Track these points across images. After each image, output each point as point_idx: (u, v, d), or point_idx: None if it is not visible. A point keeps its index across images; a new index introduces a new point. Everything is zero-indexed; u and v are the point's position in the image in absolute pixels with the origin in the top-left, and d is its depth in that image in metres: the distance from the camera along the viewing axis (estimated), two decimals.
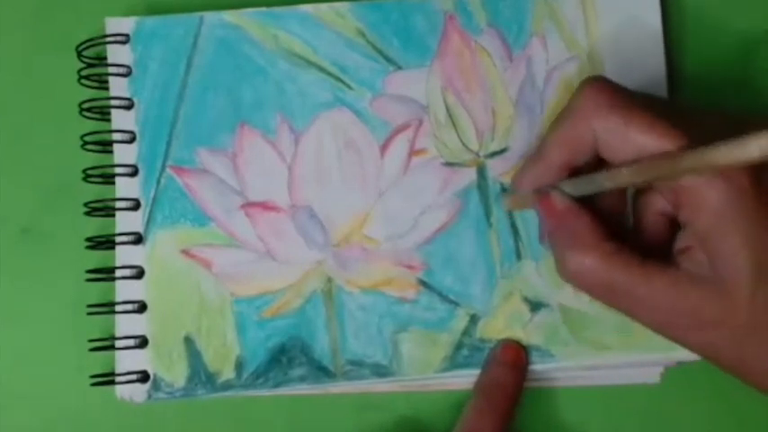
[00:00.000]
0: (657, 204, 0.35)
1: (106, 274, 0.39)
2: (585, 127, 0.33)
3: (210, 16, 0.40)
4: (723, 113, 0.36)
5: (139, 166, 0.39)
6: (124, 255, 0.39)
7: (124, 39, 0.40)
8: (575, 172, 0.35)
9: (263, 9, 0.40)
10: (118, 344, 0.39)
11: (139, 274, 0.39)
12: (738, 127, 0.31)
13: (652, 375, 0.40)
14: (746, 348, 0.32)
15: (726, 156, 0.29)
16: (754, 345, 0.32)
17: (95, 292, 0.40)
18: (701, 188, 0.31)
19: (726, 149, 0.29)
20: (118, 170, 0.39)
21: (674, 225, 0.34)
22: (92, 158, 0.40)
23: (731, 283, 0.31)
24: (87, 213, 0.40)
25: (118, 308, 0.39)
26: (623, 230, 0.36)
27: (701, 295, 0.32)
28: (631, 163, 0.32)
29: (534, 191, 0.36)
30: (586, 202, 0.35)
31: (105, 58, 0.40)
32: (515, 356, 0.38)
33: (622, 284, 0.33)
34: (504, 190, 0.39)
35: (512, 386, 0.38)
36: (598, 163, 0.34)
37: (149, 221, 0.39)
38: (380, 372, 0.38)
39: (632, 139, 0.32)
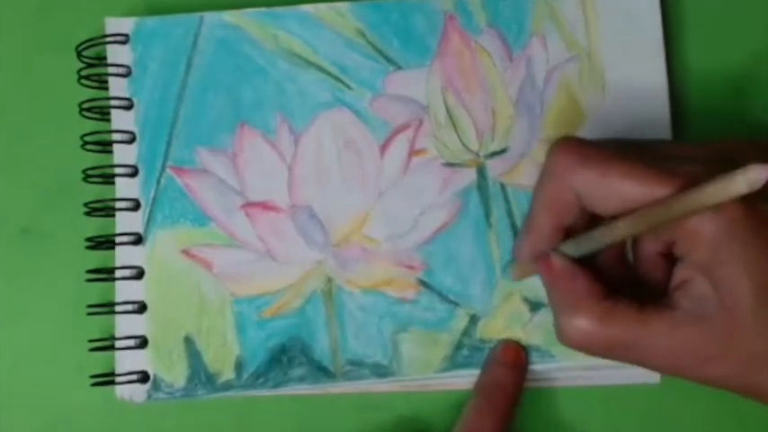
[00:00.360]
0: (652, 244, 0.35)
1: (106, 274, 0.39)
2: (565, 187, 0.34)
3: (210, 16, 0.40)
4: (692, 144, 0.36)
5: (139, 167, 0.39)
6: (124, 255, 0.39)
7: (124, 39, 0.40)
8: (569, 233, 0.35)
9: (263, 9, 0.40)
10: (118, 344, 0.39)
11: (139, 274, 0.39)
12: (716, 153, 0.32)
13: (652, 375, 0.39)
14: (758, 374, 0.32)
15: (715, 194, 0.29)
16: (766, 367, 0.32)
17: (95, 292, 0.40)
18: (696, 222, 0.31)
19: (714, 188, 0.29)
20: (118, 170, 0.40)
21: (672, 262, 0.34)
22: (92, 158, 0.40)
23: (734, 310, 0.31)
24: (87, 213, 0.40)
25: (118, 308, 0.39)
26: (625, 272, 0.36)
27: (701, 333, 0.32)
28: (626, 216, 0.32)
29: (534, 257, 0.36)
30: (587, 259, 0.35)
31: (105, 58, 0.40)
32: (515, 357, 0.38)
33: (622, 340, 0.33)
34: (503, 190, 0.39)
35: (512, 386, 0.38)
36: (591, 219, 0.35)
37: (149, 222, 0.39)
38: (380, 372, 0.38)
39: (614, 190, 0.33)
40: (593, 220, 0.35)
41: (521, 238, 0.37)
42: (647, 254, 0.35)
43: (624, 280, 0.35)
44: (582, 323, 0.33)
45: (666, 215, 0.31)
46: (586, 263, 0.35)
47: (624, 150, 0.34)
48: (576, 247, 0.35)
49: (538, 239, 0.36)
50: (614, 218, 0.33)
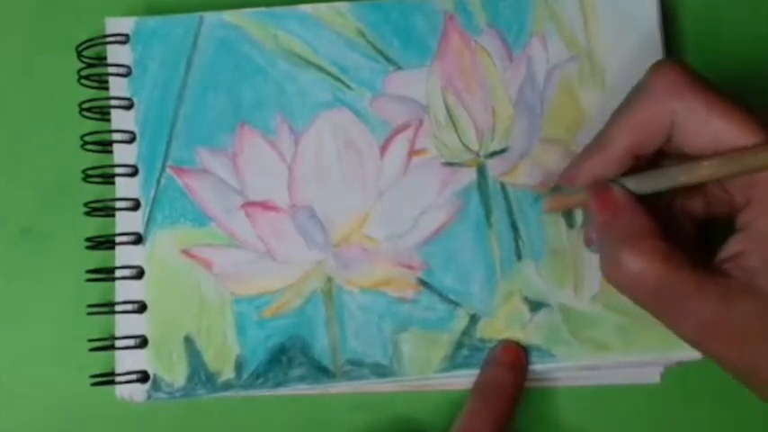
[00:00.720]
0: (693, 210, 0.34)
1: (106, 274, 0.39)
2: (663, 108, 0.32)
3: (210, 16, 0.40)
4: None
5: (139, 167, 0.39)
6: (124, 255, 0.39)
7: (124, 39, 0.40)
8: (634, 168, 0.34)
9: (263, 9, 0.40)
10: (118, 344, 0.39)
11: (139, 274, 0.39)
12: None
13: (652, 375, 0.40)
14: None
15: None
16: None
17: (95, 292, 0.40)
18: None
19: None
20: (118, 170, 0.40)
21: (702, 233, 0.33)
22: (92, 158, 0.40)
23: None
24: (87, 213, 0.40)
25: (118, 308, 0.39)
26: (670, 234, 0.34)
27: (751, 306, 0.31)
28: (711, 157, 0.31)
29: (589, 185, 0.34)
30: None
31: (105, 58, 0.40)
32: (515, 357, 0.38)
33: (675, 291, 0.31)
34: (503, 189, 0.39)
35: (510, 386, 0.38)
36: (655, 160, 0.33)
37: (149, 221, 0.39)
38: (380, 372, 0.38)
39: (712, 125, 0.31)
40: (653, 165, 0.33)
41: (581, 161, 0.35)
42: (681, 217, 0.34)
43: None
44: (642, 260, 0.31)
45: (755, 164, 0.30)
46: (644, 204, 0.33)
47: (728, 93, 0.32)
48: (637, 184, 0.33)
49: (605, 164, 0.34)
50: (691, 158, 0.32)
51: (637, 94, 0.33)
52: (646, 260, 0.32)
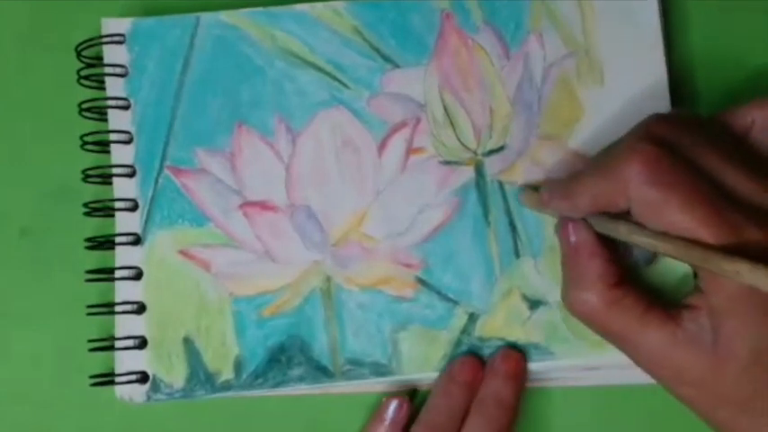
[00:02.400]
0: None
1: (105, 274, 0.39)
2: (621, 192, 0.33)
3: (207, 16, 0.40)
4: None
5: (137, 167, 0.39)
6: (123, 255, 0.39)
7: (121, 39, 0.40)
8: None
9: (260, 9, 0.40)
10: (117, 344, 0.39)
11: (138, 274, 0.39)
12: None
13: None
14: (722, 413, 0.33)
15: (758, 281, 0.30)
16: (731, 412, 0.33)
17: (94, 292, 0.40)
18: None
19: (759, 277, 0.30)
20: (115, 170, 0.40)
21: None
22: (91, 159, 0.40)
23: (727, 355, 0.32)
24: (87, 214, 0.40)
25: (117, 308, 0.39)
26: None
27: (692, 356, 0.33)
28: (663, 236, 0.32)
29: (560, 220, 0.36)
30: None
31: (103, 59, 0.40)
32: (515, 366, 0.38)
33: (618, 332, 0.35)
34: (501, 188, 0.39)
35: (511, 398, 0.37)
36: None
37: (147, 222, 0.39)
38: (380, 371, 0.38)
39: (666, 217, 0.32)
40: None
41: (555, 197, 0.36)
42: None
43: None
44: (589, 300, 0.35)
45: (700, 262, 0.31)
46: (609, 239, 0.35)
47: (704, 168, 0.33)
48: (602, 226, 0.35)
49: (571, 210, 0.36)
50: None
51: (605, 164, 0.34)
52: (591, 303, 0.35)
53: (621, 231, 0.34)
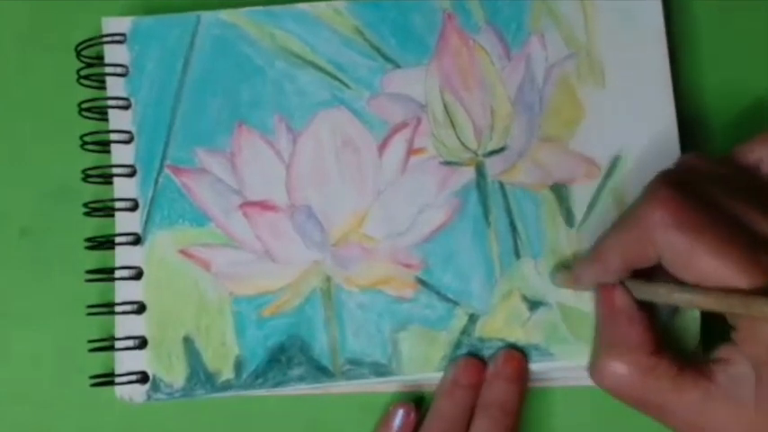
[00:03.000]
0: None
1: (105, 274, 0.39)
2: (648, 241, 0.33)
3: (207, 16, 0.40)
4: None
5: (137, 167, 0.39)
6: (123, 255, 0.39)
7: (121, 38, 0.40)
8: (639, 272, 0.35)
9: (260, 8, 0.40)
10: (117, 344, 0.39)
11: (138, 274, 0.39)
12: None
13: None
14: None
15: None
16: None
17: (95, 292, 0.40)
18: (762, 323, 0.31)
19: None
20: (116, 170, 0.39)
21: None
22: (91, 158, 0.40)
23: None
24: (87, 214, 0.40)
25: (117, 308, 0.39)
26: None
27: (730, 412, 0.32)
28: (701, 290, 0.32)
29: (598, 285, 0.36)
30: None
31: (103, 58, 0.40)
32: (517, 368, 0.38)
33: (654, 400, 0.34)
34: (502, 188, 0.39)
35: (514, 401, 0.37)
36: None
37: (148, 222, 0.39)
38: (380, 371, 0.38)
39: (697, 263, 0.32)
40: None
41: (586, 264, 0.36)
42: None
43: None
44: (623, 370, 0.34)
45: (742, 309, 0.31)
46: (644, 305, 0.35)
47: (726, 211, 0.32)
48: (640, 290, 0.35)
49: (603, 273, 0.35)
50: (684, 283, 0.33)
51: (629, 218, 0.34)
52: (626, 373, 0.34)
53: (661, 293, 0.34)
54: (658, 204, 0.32)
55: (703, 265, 0.31)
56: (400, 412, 0.38)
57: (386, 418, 0.39)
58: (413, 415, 0.38)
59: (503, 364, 0.38)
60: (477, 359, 0.38)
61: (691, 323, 0.38)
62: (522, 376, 0.38)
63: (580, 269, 0.37)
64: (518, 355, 0.38)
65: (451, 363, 0.38)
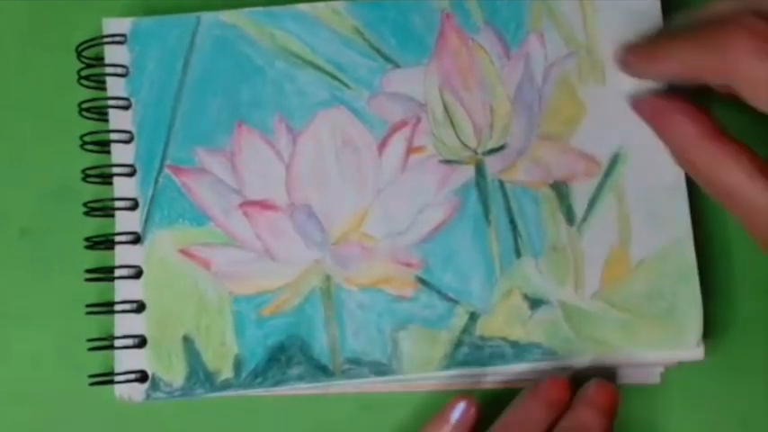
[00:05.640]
0: None
1: (105, 273, 0.39)
2: (724, 63, 0.33)
3: (207, 16, 0.40)
4: None
5: (137, 166, 0.39)
6: (123, 254, 0.39)
7: (121, 39, 0.40)
8: None
9: (260, 8, 0.40)
10: (117, 343, 0.38)
11: (138, 273, 0.39)
12: None
13: (652, 375, 0.39)
14: None
15: None
16: None
17: (94, 291, 0.40)
18: None
19: None
20: (116, 170, 0.40)
21: None
22: (91, 158, 0.40)
23: None
24: (86, 213, 0.40)
25: (116, 307, 0.39)
26: None
27: None
28: None
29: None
30: None
31: (104, 59, 0.40)
32: (610, 401, 0.35)
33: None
34: (502, 187, 0.39)
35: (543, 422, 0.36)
36: None
37: (147, 221, 0.39)
38: (380, 370, 0.38)
39: None
40: None
41: (640, 53, 0.37)
42: None
43: None
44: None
45: None
46: None
47: None
48: None
49: (655, 73, 0.36)
50: None
51: (704, 30, 0.34)
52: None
53: None
54: (745, 33, 0.32)
55: None
56: (461, 405, 0.37)
57: (444, 409, 0.37)
58: (473, 410, 0.36)
59: (594, 393, 0.36)
60: (565, 379, 0.36)
61: (692, 318, 0.38)
62: (612, 410, 0.35)
63: (632, 58, 0.37)
64: (611, 386, 0.36)
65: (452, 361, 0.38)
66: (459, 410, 0.37)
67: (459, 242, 0.39)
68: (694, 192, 0.39)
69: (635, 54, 0.36)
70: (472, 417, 0.37)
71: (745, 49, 0.32)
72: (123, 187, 0.39)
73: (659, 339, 0.38)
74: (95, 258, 0.40)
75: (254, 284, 0.39)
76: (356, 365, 0.38)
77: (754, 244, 0.34)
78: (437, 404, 0.39)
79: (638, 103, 0.38)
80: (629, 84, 0.39)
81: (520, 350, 0.38)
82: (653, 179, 0.39)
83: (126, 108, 0.40)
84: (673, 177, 0.39)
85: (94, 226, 0.40)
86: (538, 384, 0.36)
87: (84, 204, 0.40)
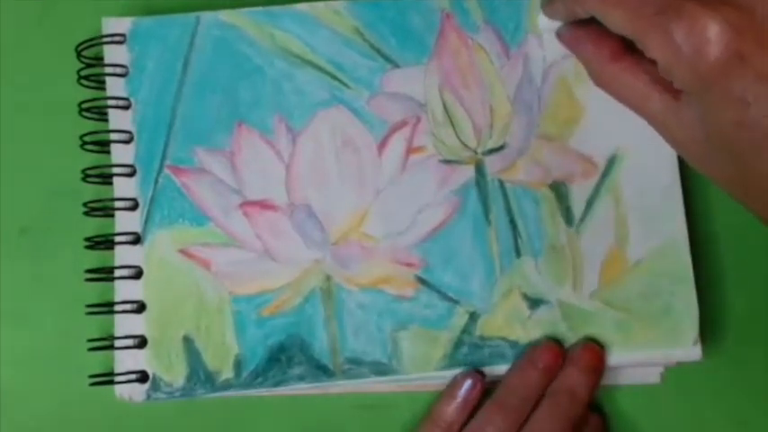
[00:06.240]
0: None
1: (105, 274, 0.39)
2: None
3: (207, 16, 0.40)
4: None
5: (137, 166, 0.39)
6: (123, 255, 0.39)
7: (121, 39, 0.40)
8: None
9: (260, 8, 0.40)
10: (117, 344, 0.39)
11: (138, 273, 0.39)
12: None
13: (652, 375, 0.40)
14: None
15: None
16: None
17: (94, 292, 0.40)
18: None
19: None
20: (116, 170, 0.39)
21: None
22: (91, 158, 0.40)
23: None
24: (86, 213, 0.40)
25: (117, 308, 0.39)
26: None
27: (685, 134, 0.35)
28: None
29: None
30: None
31: (104, 59, 0.40)
32: (594, 359, 0.38)
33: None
34: (502, 186, 0.39)
35: (585, 391, 0.38)
36: None
37: (147, 221, 0.39)
38: (380, 370, 0.38)
39: None
40: None
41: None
42: None
43: None
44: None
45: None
46: None
47: None
48: None
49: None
50: None
51: None
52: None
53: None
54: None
55: None
56: (467, 382, 0.38)
57: (451, 386, 0.38)
58: (479, 386, 0.38)
59: (580, 353, 0.38)
60: (557, 344, 0.38)
61: (688, 317, 0.38)
62: (596, 368, 0.38)
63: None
64: (596, 347, 0.38)
65: (452, 360, 0.38)
66: (466, 387, 0.38)
67: (459, 242, 0.39)
68: (690, 192, 0.39)
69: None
70: (478, 393, 0.38)
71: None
72: (123, 187, 0.39)
73: (656, 339, 0.38)
74: (95, 258, 0.39)
75: (254, 284, 0.39)
76: (356, 365, 0.38)
77: (749, 243, 0.35)
78: None
79: (561, 34, 0.39)
80: (546, 22, 0.40)
81: (519, 350, 0.38)
82: (649, 180, 0.39)
83: (126, 108, 0.40)
84: (668, 178, 0.39)
85: (94, 226, 0.40)
86: (533, 351, 0.38)
87: (84, 204, 0.39)
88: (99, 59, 0.40)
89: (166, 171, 0.39)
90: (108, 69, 0.40)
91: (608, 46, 0.36)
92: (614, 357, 0.38)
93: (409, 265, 0.39)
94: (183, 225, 0.39)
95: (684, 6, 0.32)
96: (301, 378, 0.38)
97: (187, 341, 0.38)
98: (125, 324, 0.39)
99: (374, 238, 0.39)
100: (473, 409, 0.38)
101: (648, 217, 0.39)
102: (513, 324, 0.38)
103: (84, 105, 0.40)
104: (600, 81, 0.37)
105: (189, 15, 0.40)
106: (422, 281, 0.39)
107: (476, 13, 0.40)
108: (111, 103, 0.40)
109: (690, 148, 0.35)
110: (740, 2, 0.31)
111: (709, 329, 0.39)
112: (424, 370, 0.38)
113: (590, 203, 0.39)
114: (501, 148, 0.39)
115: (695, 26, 0.31)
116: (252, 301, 0.39)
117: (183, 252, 0.39)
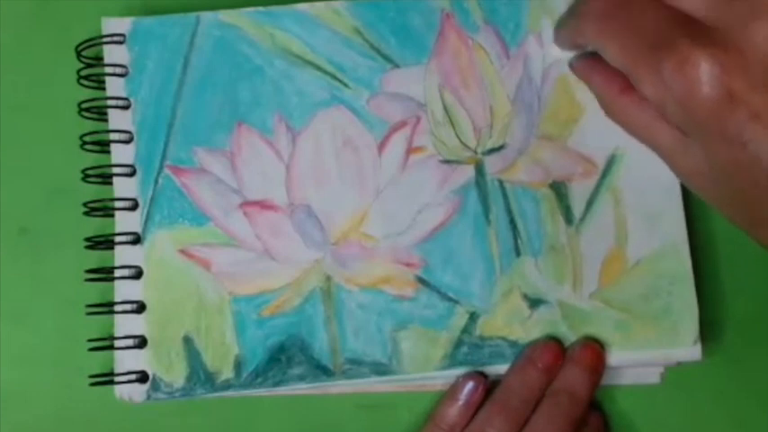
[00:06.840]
0: None
1: (105, 274, 0.39)
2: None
3: (207, 16, 0.40)
4: None
5: (137, 166, 0.39)
6: (123, 255, 0.39)
7: (121, 39, 0.40)
8: None
9: (260, 8, 0.40)
10: (117, 344, 0.38)
11: (138, 274, 0.39)
12: None
13: (652, 375, 0.39)
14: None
15: None
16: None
17: (94, 292, 0.40)
18: None
19: None
20: (115, 170, 0.39)
21: None
22: (91, 158, 0.40)
23: None
24: (86, 213, 0.40)
25: (117, 308, 0.39)
26: None
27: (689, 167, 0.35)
28: None
29: None
30: None
31: (103, 59, 0.40)
32: (593, 358, 0.38)
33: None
34: (501, 186, 0.39)
35: (585, 391, 0.38)
36: None
37: (147, 221, 0.39)
38: (380, 370, 0.38)
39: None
40: None
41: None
42: None
43: None
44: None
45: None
46: None
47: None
48: None
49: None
50: None
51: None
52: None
53: None
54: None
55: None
56: (469, 384, 0.38)
57: (453, 388, 0.38)
58: (481, 388, 0.38)
59: (580, 352, 0.38)
60: (556, 343, 0.38)
61: (687, 317, 0.38)
62: (596, 367, 0.38)
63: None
64: (596, 345, 0.38)
65: (453, 360, 0.38)
66: (468, 389, 0.38)
67: (459, 242, 0.39)
68: (690, 192, 0.39)
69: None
70: (480, 395, 0.38)
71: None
72: (123, 187, 0.39)
73: (655, 339, 0.38)
74: (95, 258, 0.39)
75: (255, 284, 0.39)
76: (356, 365, 0.38)
77: (749, 244, 0.35)
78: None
79: (572, 65, 0.39)
80: (558, 52, 0.40)
81: (519, 350, 0.38)
82: (648, 180, 0.39)
83: (125, 108, 0.40)
84: (668, 179, 0.39)
85: (94, 226, 0.40)
86: (533, 350, 0.38)
87: (84, 204, 0.39)
88: (99, 59, 0.40)
89: (166, 171, 0.39)
90: (108, 69, 0.40)
91: (616, 78, 0.35)
92: (614, 357, 0.38)
93: (409, 265, 0.39)
94: (183, 225, 0.39)
95: (676, 42, 0.31)
96: (301, 378, 0.38)
97: (187, 341, 0.38)
98: (125, 324, 0.39)
99: (374, 238, 0.39)
100: (475, 411, 0.38)
101: (648, 217, 0.39)
102: (513, 324, 0.38)
103: (83, 105, 0.40)
104: (609, 112, 0.37)
105: (189, 15, 0.40)
106: (422, 281, 0.39)
107: (476, 13, 0.40)
108: (110, 103, 0.40)
109: (696, 180, 0.35)
110: (730, 39, 0.31)
111: (709, 329, 0.39)
112: (424, 370, 0.38)
113: (590, 203, 0.39)
114: (501, 148, 0.39)
115: (685, 65, 0.31)
116: (252, 301, 0.39)
117: (183, 252, 0.39)
